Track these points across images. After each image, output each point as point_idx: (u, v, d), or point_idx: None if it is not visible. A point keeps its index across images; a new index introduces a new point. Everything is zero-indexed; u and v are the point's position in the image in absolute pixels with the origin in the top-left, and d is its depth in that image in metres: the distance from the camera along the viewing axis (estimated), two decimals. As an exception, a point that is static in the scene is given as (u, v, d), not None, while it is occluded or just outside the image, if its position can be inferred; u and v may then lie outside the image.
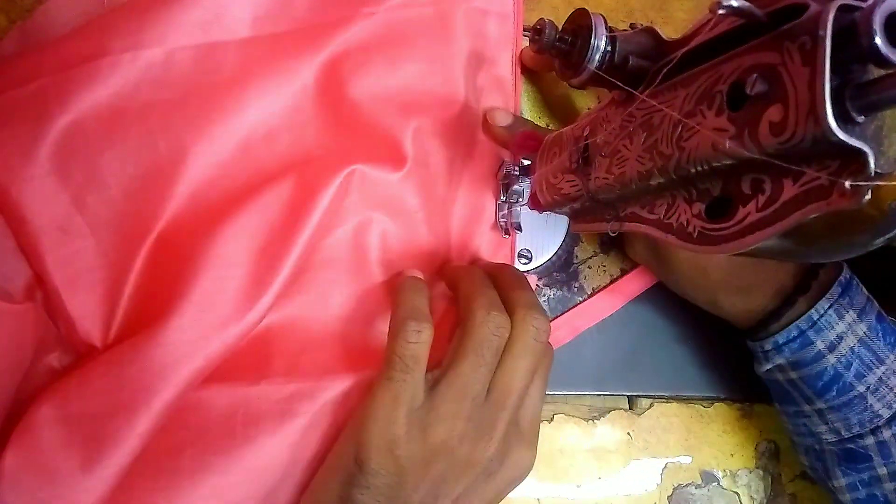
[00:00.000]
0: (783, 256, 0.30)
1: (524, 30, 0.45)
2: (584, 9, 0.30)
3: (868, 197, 0.20)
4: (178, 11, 0.38)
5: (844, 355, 0.41)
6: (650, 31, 0.31)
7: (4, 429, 0.34)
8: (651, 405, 0.51)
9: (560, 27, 0.31)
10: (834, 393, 0.42)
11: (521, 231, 0.43)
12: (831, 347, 0.41)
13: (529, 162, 0.41)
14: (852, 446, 0.42)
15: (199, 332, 0.34)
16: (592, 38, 0.29)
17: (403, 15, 0.41)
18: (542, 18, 0.31)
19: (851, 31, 0.20)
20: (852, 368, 0.41)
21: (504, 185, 0.43)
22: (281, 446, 0.36)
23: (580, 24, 0.30)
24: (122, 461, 0.32)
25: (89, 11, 0.38)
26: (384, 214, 0.41)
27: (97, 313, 0.36)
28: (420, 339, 0.34)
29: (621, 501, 0.49)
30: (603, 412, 0.50)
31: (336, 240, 0.40)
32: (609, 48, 0.29)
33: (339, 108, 0.40)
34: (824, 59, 0.20)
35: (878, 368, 0.41)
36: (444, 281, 0.41)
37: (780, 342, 0.42)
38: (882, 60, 0.19)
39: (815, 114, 0.20)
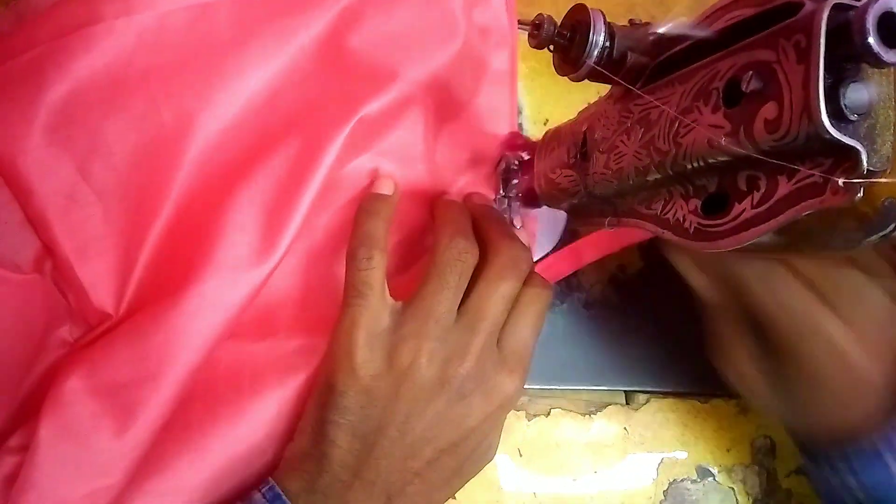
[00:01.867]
0: (778, 252, 0.30)
1: (521, 23, 0.46)
2: (583, 4, 0.30)
3: (860, 195, 0.21)
4: None
5: None
6: (648, 27, 0.31)
7: (25, 398, 0.35)
8: (648, 400, 0.51)
9: (559, 22, 0.31)
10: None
11: (519, 226, 0.44)
12: None
13: (529, 157, 0.41)
14: None
15: (219, 297, 0.34)
16: (591, 34, 0.29)
17: None
18: (540, 14, 0.31)
19: (845, 30, 0.20)
20: None
21: (503, 179, 0.43)
22: (285, 398, 0.37)
23: (579, 19, 0.30)
24: (153, 425, 0.34)
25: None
26: (386, 159, 0.41)
27: (110, 281, 0.37)
28: (370, 266, 0.35)
29: (617, 496, 0.50)
30: (600, 407, 0.50)
31: (337, 191, 0.40)
32: (608, 44, 0.29)
33: (339, 60, 0.40)
34: (818, 57, 0.20)
35: None
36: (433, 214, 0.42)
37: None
38: (875, 59, 0.19)
39: (809, 112, 0.20)
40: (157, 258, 0.37)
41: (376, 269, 0.35)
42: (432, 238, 0.38)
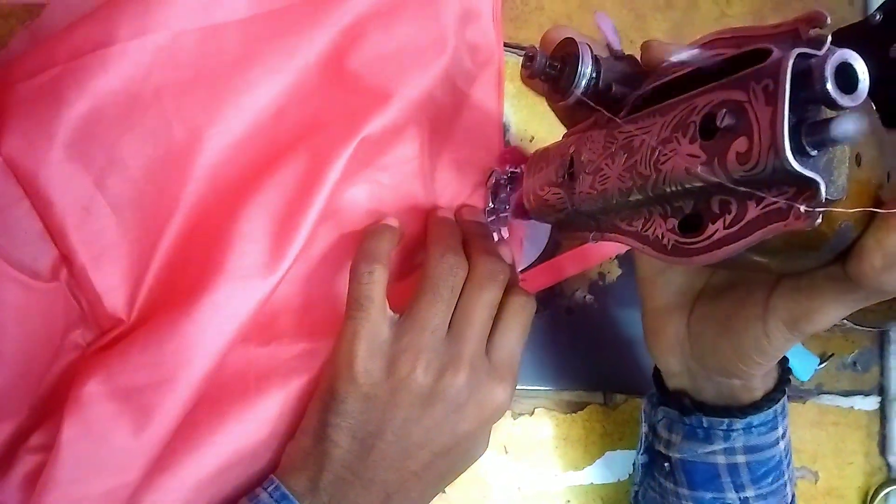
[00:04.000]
0: (750, 269, 0.33)
1: (509, 46, 0.48)
2: (572, 38, 0.33)
3: (820, 220, 0.23)
4: None
5: (786, 443, 0.42)
6: (631, 60, 0.34)
7: (42, 399, 0.37)
8: (625, 400, 0.54)
9: (550, 54, 0.34)
10: (769, 480, 0.41)
11: (507, 237, 0.46)
12: (783, 435, 0.41)
13: (518, 171, 0.44)
14: None
15: (230, 306, 0.36)
16: (580, 66, 0.32)
17: None
18: (532, 46, 0.34)
19: (807, 76, 0.23)
20: (787, 456, 0.42)
21: (492, 193, 0.46)
22: (288, 399, 0.39)
23: (568, 51, 0.33)
24: (169, 426, 0.36)
25: (92, 5, 0.39)
26: (386, 174, 0.43)
27: (122, 287, 0.38)
28: (371, 280, 0.38)
29: (598, 489, 0.52)
30: (580, 406, 0.53)
31: (338, 203, 0.42)
32: (594, 75, 0.32)
33: (342, 77, 0.42)
34: (784, 100, 0.23)
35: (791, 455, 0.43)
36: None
37: (755, 424, 0.39)
38: (832, 103, 0.22)
39: (775, 147, 0.23)
40: (168, 267, 0.39)
41: (377, 284, 0.38)
42: (425, 251, 0.41)
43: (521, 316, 0.41)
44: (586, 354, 0.53)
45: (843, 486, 0.62)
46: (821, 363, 0.60)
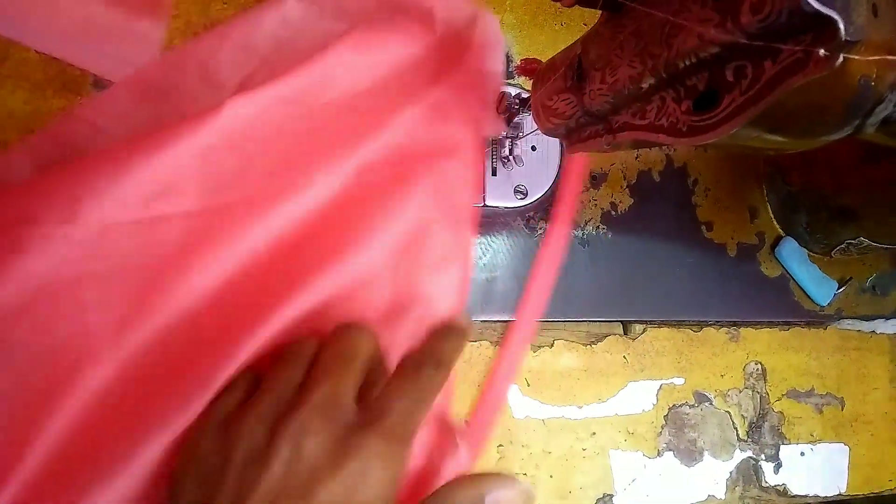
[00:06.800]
0: (764, 151, 0.32)
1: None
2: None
3: (840, 60, 0.23)
4: (123, 181, 0.34)
5: None
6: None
7: None
8: (644, 330, 0.54)
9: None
10: None
11: (522, 165, 0.46)
12: None
13: (528, 94, 0.43)
14: None
15: None
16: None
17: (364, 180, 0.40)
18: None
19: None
20: None
21: (505, 118, 0.45)
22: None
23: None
24: None
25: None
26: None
27: None
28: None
29: (621, 421, 0.52)
30: (599, 337, 0.52)
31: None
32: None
33: (286, 276, 0.37)
34: (796, -61, 0.23)
35: None
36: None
37: None
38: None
39: (790, -11, 0.23)
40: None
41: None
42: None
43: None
44: (603, 285, 0.52)
45: (870, 411, 0.61)
46: (839, 288, 0.59)
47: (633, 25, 0.31)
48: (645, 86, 0.31)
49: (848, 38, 0.23)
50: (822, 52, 0.23)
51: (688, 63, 0.28)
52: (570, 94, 0.36)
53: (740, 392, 0.56)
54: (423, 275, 0.40)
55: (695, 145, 0.35)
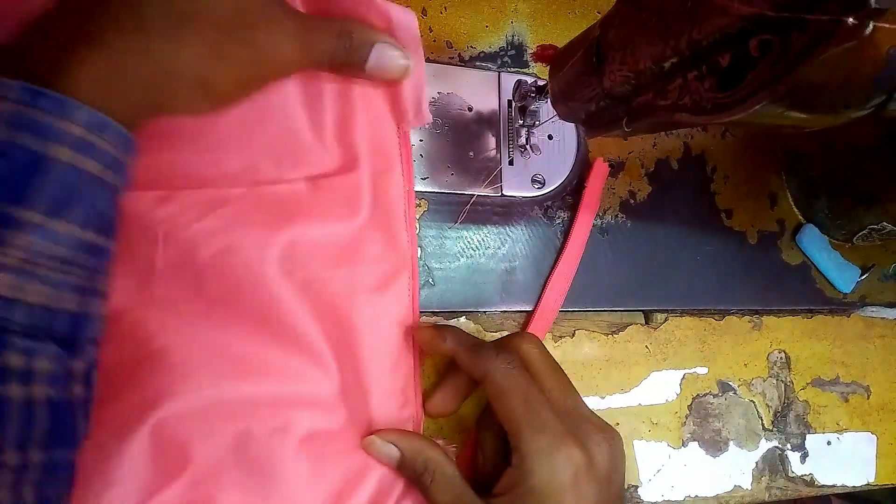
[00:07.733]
0: (789, 121, 0.32)
1: None
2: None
3: (870, 29, 0.22)
4: None
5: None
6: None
7: None
8: (666, 319, 0.53)
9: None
10: None
11: (540, 153, 0.45)
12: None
13: (544, 82, 0.43)
14: None
15: None
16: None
17: None
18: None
19: None
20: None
21: (520, 107, 0.45)
22: None
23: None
24: None
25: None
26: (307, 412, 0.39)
27: None
28: None
29: (644, 411, 0.51)
30: (621, 327, 0.52)
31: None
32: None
33: None
34: None
35: None
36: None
37: None
38: None
39: (818, -45, 0.22)
40: None
41: None
42: None
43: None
44: (623, 274, 0.52)
45: (896, 399, 0.60)
46: (862, 274, 0.59)
47: (655, 4, 0.31)
48: (667, 65, 0.30)
49: (877, 6, 0.23)
50: (850, 20, 0.23)
51: (711, 40, 0.28)
52: (590, 76, 0.36)
53: (764, 381, 0.55)
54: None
55: (716, 124, 0.35)
